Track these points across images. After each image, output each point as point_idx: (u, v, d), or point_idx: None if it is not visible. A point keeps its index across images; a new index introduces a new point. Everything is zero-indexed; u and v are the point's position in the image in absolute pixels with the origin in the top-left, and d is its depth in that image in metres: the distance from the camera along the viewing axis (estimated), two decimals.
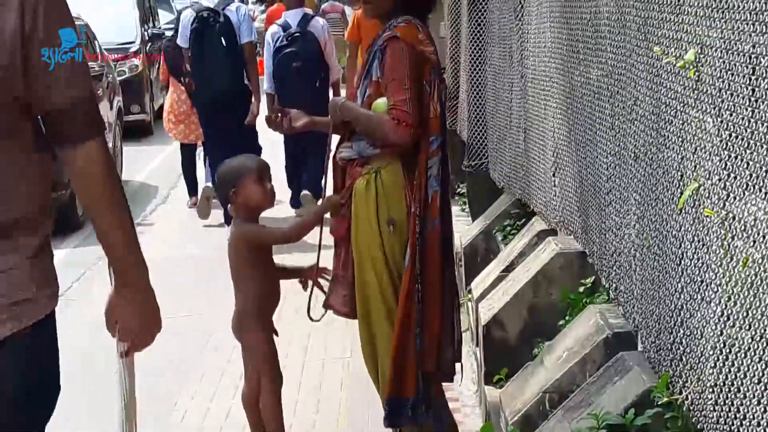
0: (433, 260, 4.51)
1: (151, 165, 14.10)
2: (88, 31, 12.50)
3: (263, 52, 9.96)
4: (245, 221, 4.80)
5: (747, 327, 2.80)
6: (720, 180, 3.05)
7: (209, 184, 9.63)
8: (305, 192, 9.58)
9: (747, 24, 2.80)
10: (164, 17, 20.88)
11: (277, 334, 4.83)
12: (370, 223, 4.47)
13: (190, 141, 10.75)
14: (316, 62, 9.58)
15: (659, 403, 3.75)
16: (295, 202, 9.81)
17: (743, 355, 2.84)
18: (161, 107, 17.67)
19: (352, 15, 10.28)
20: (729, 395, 2.98)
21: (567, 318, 5.41)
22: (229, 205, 4.88)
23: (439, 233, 4.55)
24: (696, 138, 3.27)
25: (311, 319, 4.75)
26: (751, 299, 2.77)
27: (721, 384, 3.03)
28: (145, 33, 17.98)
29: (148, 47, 17.83)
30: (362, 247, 4.50)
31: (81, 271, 8.46)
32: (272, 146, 10.47)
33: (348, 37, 10.29)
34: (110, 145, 11.36)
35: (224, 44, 9.07)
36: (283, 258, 4.90)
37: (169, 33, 19.41)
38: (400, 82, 4.43)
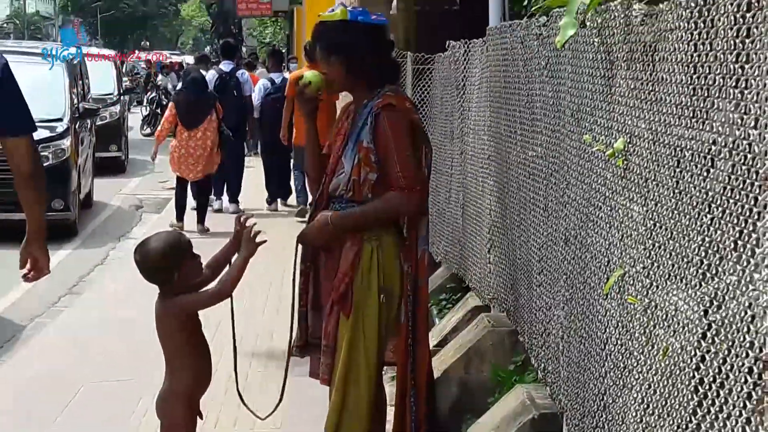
0: (422, 317, 4.64)
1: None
2: None
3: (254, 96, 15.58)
4: (175, 295, 4.47)
5: (665, 416, 2.83)
6: (644, 268, 3.09)
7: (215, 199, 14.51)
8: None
9: (673, 117, 2.86)
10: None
11: (201, 417, 4.68)
12: (372, 293, 4.52)
13: (185, 177, 13.08)
14: None
15: None
16: (272, 201, 15.02)
17: None
18: (88, 196, 14.82)
19: (289, 75, 14.46)
20: None
21: (496, 395, 5.43)
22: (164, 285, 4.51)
23: (426, 292, 4.71)
24: (623, 225, 3.32)
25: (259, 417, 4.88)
26: (670, 389, 2.79)
27: None
28: (76, 108, 13.99)
29: (77, 125, 13.83)
30: (359, 315, 4.52)
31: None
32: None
33: (288, 93, 13.05)
34: None
35: (235, 95, 14.81)
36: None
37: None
38: (401, 149, 4.52)
